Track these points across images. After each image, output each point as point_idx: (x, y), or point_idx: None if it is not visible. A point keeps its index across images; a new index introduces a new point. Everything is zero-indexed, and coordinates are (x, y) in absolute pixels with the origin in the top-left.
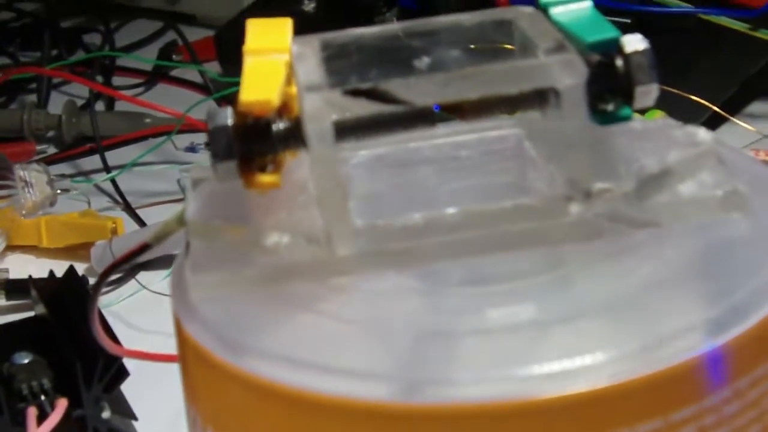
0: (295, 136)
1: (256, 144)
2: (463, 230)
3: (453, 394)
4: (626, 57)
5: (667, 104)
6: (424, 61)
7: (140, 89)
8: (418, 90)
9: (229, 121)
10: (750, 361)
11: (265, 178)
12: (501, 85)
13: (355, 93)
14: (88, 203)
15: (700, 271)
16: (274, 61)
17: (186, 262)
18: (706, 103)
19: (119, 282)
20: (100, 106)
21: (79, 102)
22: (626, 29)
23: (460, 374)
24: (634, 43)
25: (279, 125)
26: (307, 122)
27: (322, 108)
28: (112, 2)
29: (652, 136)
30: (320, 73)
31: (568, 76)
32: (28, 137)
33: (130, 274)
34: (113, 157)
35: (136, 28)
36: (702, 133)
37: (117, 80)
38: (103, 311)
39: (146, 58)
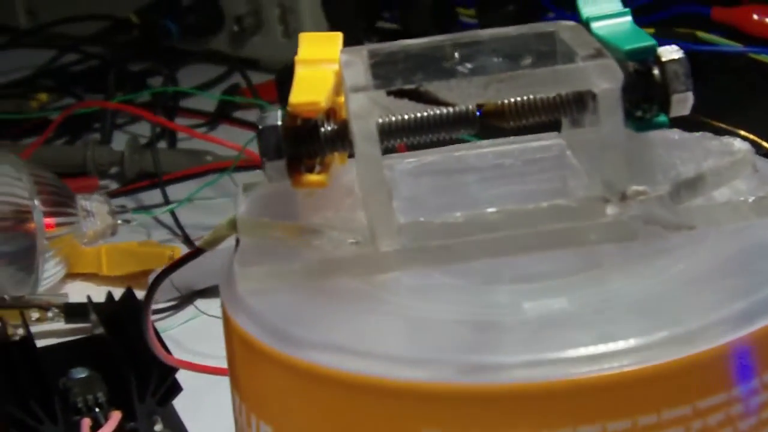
0: (341, 138)
1: (304, 145)
2: (503, 229)
3: (502, 377)
4: (662, 65)
5: None
6: (466, 67)
7: (203, 130)
8: (459, 91)
9: (279, 122)
10: None
11: (312, 178)
12: (540, 88)
13: (399, 93)
14: (148, 235)
15: (732, 269)
16: (324, 69)
17: (235, 257)
18: (760, 141)
19: (177, 308)
20: (162, 145)
21: (142, 141)
22: None
23: (506, 358)
24: (671, 52)
25: (326, 127)
26: (353, 120)
27: (368, 107)
28: (178, 47)
29: (690, 145)
30: (367, 76)
31: (605, 80)
32: (91, 173)
33: (188, 300)
34: (173, 191)
35: (200, 71)
36: (738, 143)
37: (179, 121)
38: (161, 335)
39: (211, 94)
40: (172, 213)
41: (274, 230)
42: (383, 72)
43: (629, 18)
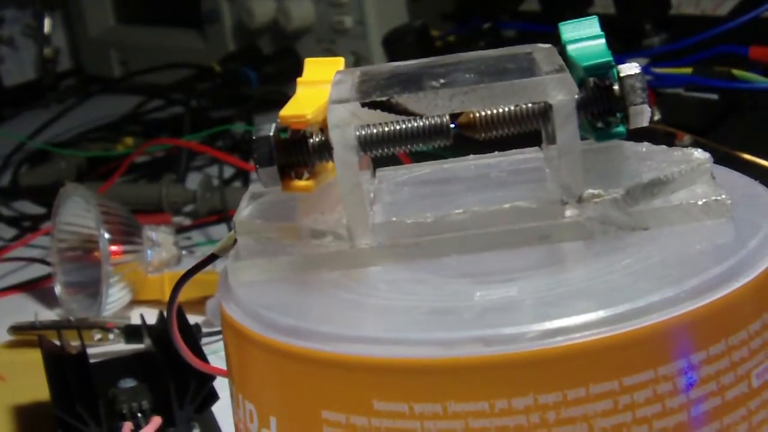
0: (328, 149)
1: (293, 153)
2: (469, 228)
3: (443, 352)
4: (620, 80)
5: (758, 177)
6: (439, 82)
7: None
8: (426, 103)
9: (271, 133)
10: (704, 340)
11: (300, 183)
12: (501, 100)
13: (373, 105)
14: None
15: (672, 263)
16: (322, 89)
17: (230, 255)
18: None
19: None
20: (237, 184)
21: (216, 182)
22: (714, 106)
23: (446, 335)
24: (629, 68)
25: (315, 139)
26: (331, 129)
27: (346, 117)
28: (257, 95)
29: (656, 156)
30: (351, 92)
31: (560, 92)
32: (165, 210)
33: None
34: None
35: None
36: (697, 153)
37: None
38: (212, 356)
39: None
40: None
41: (267, 231)
42: (365, 88)
43: (602, 41)
